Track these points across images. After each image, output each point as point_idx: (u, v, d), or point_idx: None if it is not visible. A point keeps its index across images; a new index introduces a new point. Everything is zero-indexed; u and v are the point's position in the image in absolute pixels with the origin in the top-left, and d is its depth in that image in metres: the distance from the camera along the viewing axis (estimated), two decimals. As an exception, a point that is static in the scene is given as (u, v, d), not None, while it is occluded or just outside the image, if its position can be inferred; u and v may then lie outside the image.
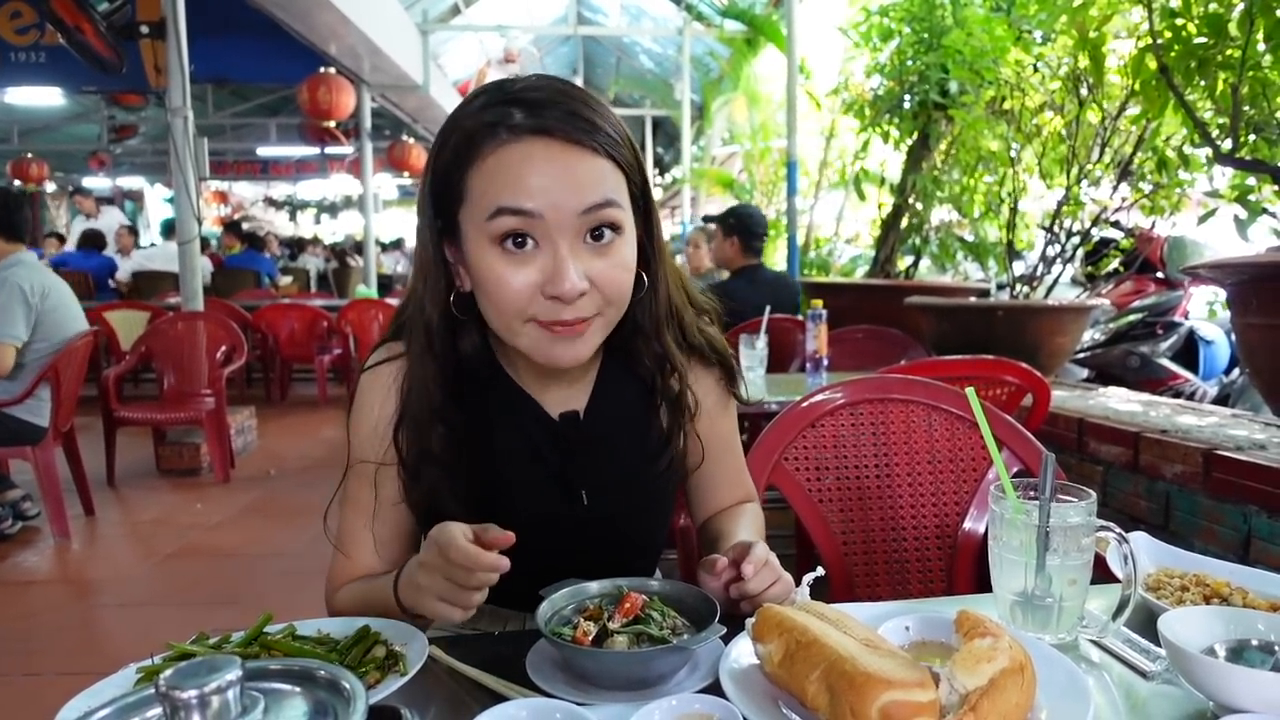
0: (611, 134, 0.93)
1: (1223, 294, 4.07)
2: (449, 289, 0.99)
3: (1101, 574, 0.98)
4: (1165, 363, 3.91)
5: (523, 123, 0.89)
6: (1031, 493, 0.95)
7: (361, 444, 1.07)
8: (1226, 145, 2.47)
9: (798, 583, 0.95)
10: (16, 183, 13.59)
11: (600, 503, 1.09)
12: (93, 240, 9.09)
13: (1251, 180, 2.50)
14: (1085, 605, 0.93)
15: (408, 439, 1.02)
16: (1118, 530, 0.91)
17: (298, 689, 0.64)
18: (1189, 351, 4.02)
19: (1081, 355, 4.07)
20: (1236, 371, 3.80)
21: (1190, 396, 3.66)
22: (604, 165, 0.92)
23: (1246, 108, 2.43)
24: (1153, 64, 2.61)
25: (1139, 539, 1.10)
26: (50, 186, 15.90)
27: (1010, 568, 0.93)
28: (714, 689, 0.81)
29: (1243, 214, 2.51)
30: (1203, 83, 2.56)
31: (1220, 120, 2.58)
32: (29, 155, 13.57)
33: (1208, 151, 2.71)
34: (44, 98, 11.81)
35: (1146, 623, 0.95)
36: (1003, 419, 1.54)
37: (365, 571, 1.09)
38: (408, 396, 1.03)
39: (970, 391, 1.04)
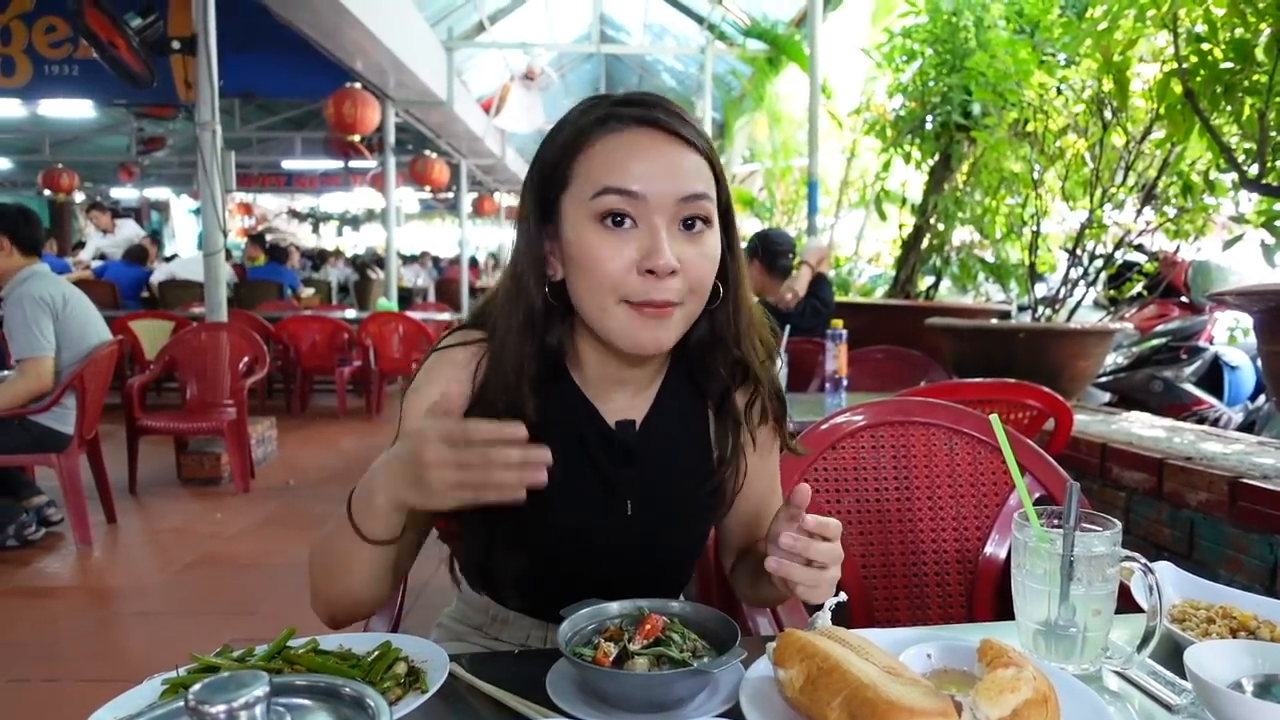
0: (708, 140, 1.01)
1: (1245, 320, 4.04)
2: (545, 276, 1.03)
3: (1126, 604, 0.97)
4: (1189, 388, 3.87)
5: (630, 114, 0.97)
6: (1056, 521, 0.94)
7: (417, 419, 1.07)
8: (1253, 171, 2.45)
9: (819, 607, 0.95)
10: (47, 192, 13.84)
11: (644, 515, 1.10)
12: (136, 254, 9.26)
13: (1278, 206, 2.49)
14: (1109, 635, 0.92)
15: (484, 414, 1.02)
16: (1143, 560, 0.90)
17: (323, 705, 0.65)
18: (1213, 377, 3.98)
19: (1104, 379, 4.04)
20: (1262, 398, 3.76)
21: (1215, 422, 3.61)
22: (701, 162, 0.99)
23: (1273, 133, 2.42)
24: (1178, 88, 2.60)
25: (1164, 569, 1.09)
26: (79, 197, 16.14)
27: (1034, 596, 0.93)
28: (734, 713, 0.81)
29: (1269, 239, 2.50)
30: (1229, 108, 2.55)
31: (1247, 145, 2.56)
32: (60, 166, 13.81)
33: (1233, 176, 2.70)
34: (75, 110, 12.01)
35: (1171, 654, 0.94)
36: (1025, 444, 1.54)
37: None
38: (488, 379, 1.05)
39: (994, 418, 1.04)
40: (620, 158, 0.96)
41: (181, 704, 0.59)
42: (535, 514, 1.01)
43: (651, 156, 0.96)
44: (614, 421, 1.10)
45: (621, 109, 0.98)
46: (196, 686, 0.57)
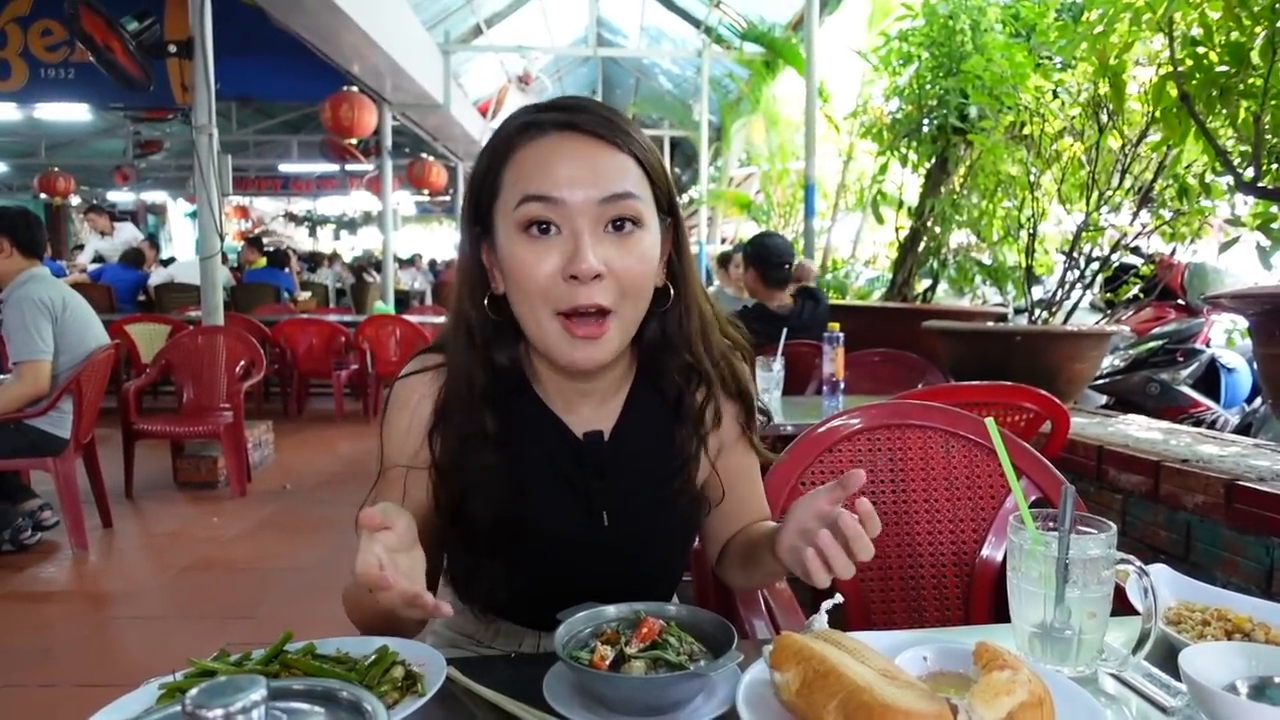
0: (637, 139, 0.98)
1: (1242, 322, 4.05)
2: (485, 290, 1.04)
3: (1121, 606, 0.97)
4: (1186, 390, 3.87)
5: (552, 119, 0.97)
6: (1051, 524, 0.95)
7: (393, 449, 1.08)
8: (1249, 173, 2.46)
9: (815, 610, 0.95)
10: (43, 195, 13.82)
11: (621, 525, 1.10)
12: (133, 258, 9.26)
13: (1274, 208, 2.49)
14: (1105, 638, 0.93)
15: (443, 439, 1.05)
16: (1138, 563, 0.90)
17: (320, 709, 0.65)
18: (1210, 379, 3.98)
19: (1100, 382, 4.04)
20: (1259, 400, 3.76)
21: (1211, 425, 3.62)
22: (627, 161, 0.97)
23: (1269, 136, 2.43)
24: (1174, 91, 2.61)
25: (1160, 571, 1.09)
26: (75, 200, 16.14)
27: (1029, 599, 0.93)
28: (730, 715, 0.81)
29: (1265, 242, 2.50)
30: (1224, 111, 2.55)
31: (1242, 148, 2.57)
32: (56, 169, 13.80)
33: (1230, 179, 2.71)
34: (71, 113, 12.01)
35: (1167, 657, 0.94)
36: (1021, 447, 1.54)
37: None
38: (447, 398, 1.05)
39: (990, 422, 1.04)
40: (540, 164, 0.95)
41: (179, 709, 0.58)
42: (513, 530, 1.03)
43: (571, 160, 0.95)
44: (582, 433, 1.09)
45: (543, 115, 0.98)
46: (193, 691, 0.57)
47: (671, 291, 1.06)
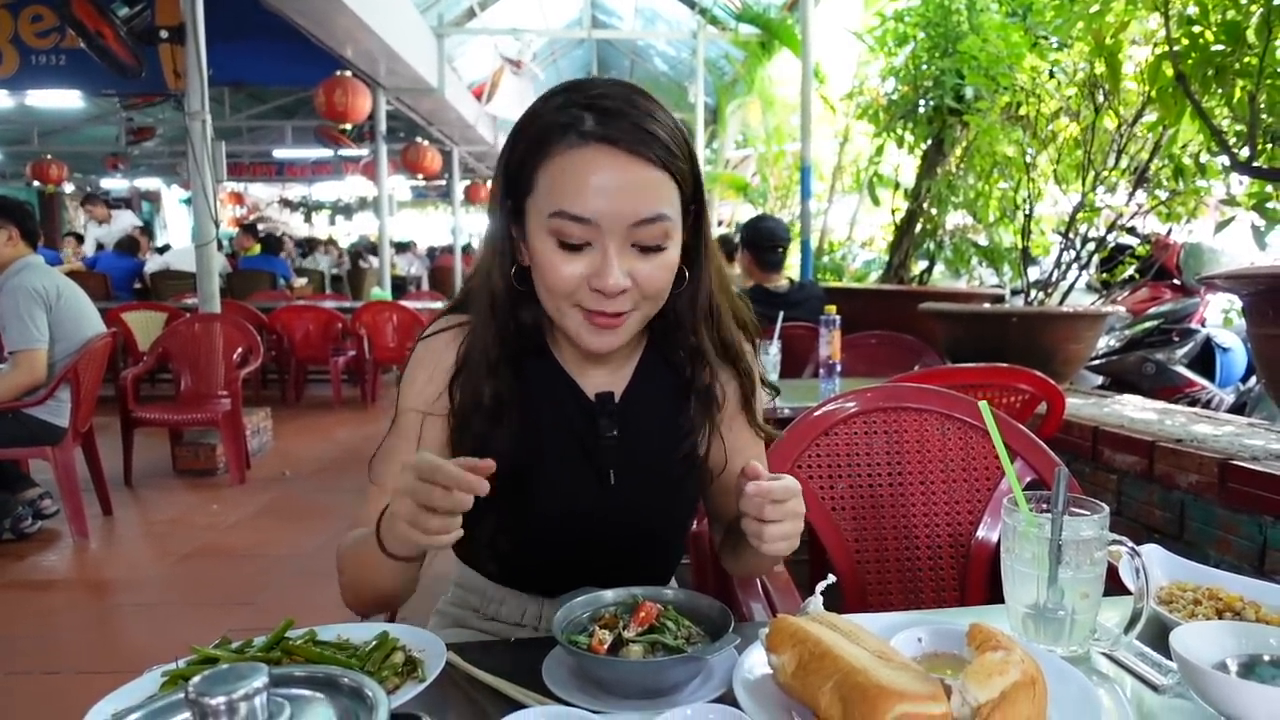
0: (672, 147, 0.99)
1: (1238, 301, 4.06)
2: (513, 261, 1.07)
3: (1114, 585, 0.98)
4: (1181, 370, 3.88)
5: (592, 130, 0.96)
6: (1044, 506, 0.96)
7: (412, 396, 1.11)
8: (1244, 153, 2.46)
9: (811, 591, 0.96)
10: (36, 183, 13.75)
11: (626, 485, 1.13)
12: (128, 245, 9.22)
13: (1269, 188, 2.49)
14: (1097, 618, 0.94)
15: (463, 390, 1.08)
16: (1130, 544, 0.91)
17: (322, 695, 0.65)
18: (1205, 359, 3.99)
19: (1096, 362, 4.05)
20: (1253, 380, 3.78)
21: (1206, 404, 3.63)
22: (660, 178, 0.98)
23: (1264, 115, 2.42)
24: (1170, 71, 2.60)
25: (1152, 551, 1.10)
26: (69, 188, 16.05)
27: (1022, 580, 0.94)
28: (727, 698, 0.82)
29: (1260, 222, 2.50)
30: (1220, 90, 2.55)
31: (1238, 128, 2.57)
32: (48, 156, 13.72)
33: (1225, 159, 2.70)
34: (63, 100, 11.91)
35: (1159, 636, 0.95)
36: (1016, 429, 1.55)
37: None
38: (468, 352, 1.09)
39: (984, 405, 1.05)
40: (578, 180, 0.96)
41: (181, 696, 0.59)
42: (521, 487, 1.07)
43: (607, 180, 0.96)
44: (594, 395, 1.13)
45: (587, 117, 0.96)
46: (196, 679, 0.58)
47: (686, 275, 1.09)
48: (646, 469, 1.14)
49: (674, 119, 1.02)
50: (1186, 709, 0.82)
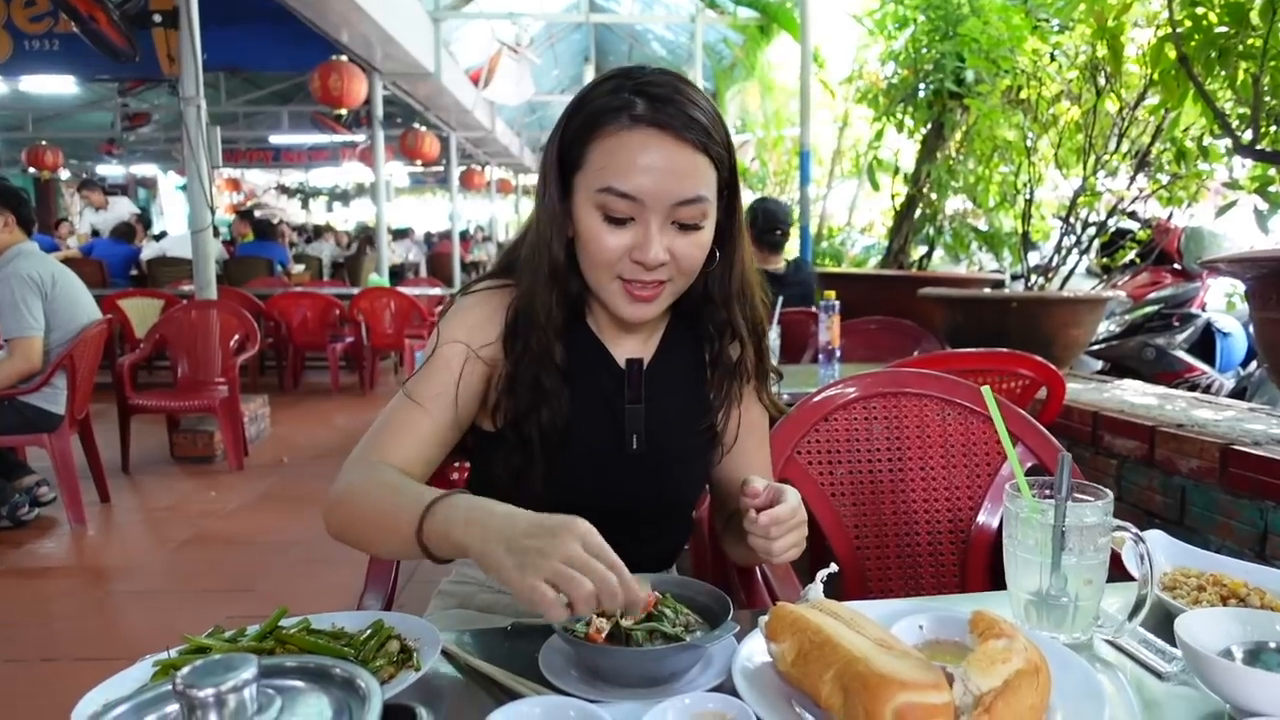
0: (713, 133, 1.05)
1: (1241, 286, 4.04)
2: (566, 233, 1.11)
3: (1117, 571, 0.97)
4: (1181, 355, 3.87)
5: (644, 114, 1.02)
6: (1047, 491, 0.94)
7: (463, 333, 1.14)
8: (1247, 136, 2.44)
9: (811, 579, 0.95)
10: (31, 170, 13.67)
11: (648, 449, 1.18)
12: (124, 232, 9.18)
13: (1272, 171, 2.47)
14: (1100, 604, 0.93)
15: (518, 349, 1.12)
16: (1134, 530, 0.90)
17: (314, 687, 0.64)
18: (1205, 344, 3.98)
19: (1096, 347, 4.04)
20: (1254, 364, 3.77)
21: (1206, 389, 3.62)
22: (701, 161, 1.04)
23: (1268, 98, 2.40)
24: (1172, 53, 2.58)
25: (1155, 537, 1.09)
26: (65, 174, 15.96)
27: (1025, 567, 0.93)
28: (726, 686, 0.81)
29: (1263, 206, 2.48)
30: (1223, 73, 2.53)
31: (1241, 111, 2.55)
32: (43, 143, 13.63)
33: (1227, 142, 2.68)
34: (57, 85, 11.83)
35: (1162, 622, 0.94)
36: (1018, 414, 1.54)
37: (401, 461, 1.09)
38: (521, 315, 1.13)
39: (986, 390, 1.04)
40: (626, 161, 1.02)
41: (169, 688, 0.58)
42: (548, 449, 1.11)
43: (655, 161, 1.02)
44: (624, 360, 1.19)
45: (638, 101, 1.02)
46: (184, 670, 0.57)
47: (717, 254, 1.14)
48: (668, 436, 1.19)
49: (714, 106, 1.08)
50: (1191, 697, 0.81)
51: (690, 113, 1.03)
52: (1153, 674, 0.85)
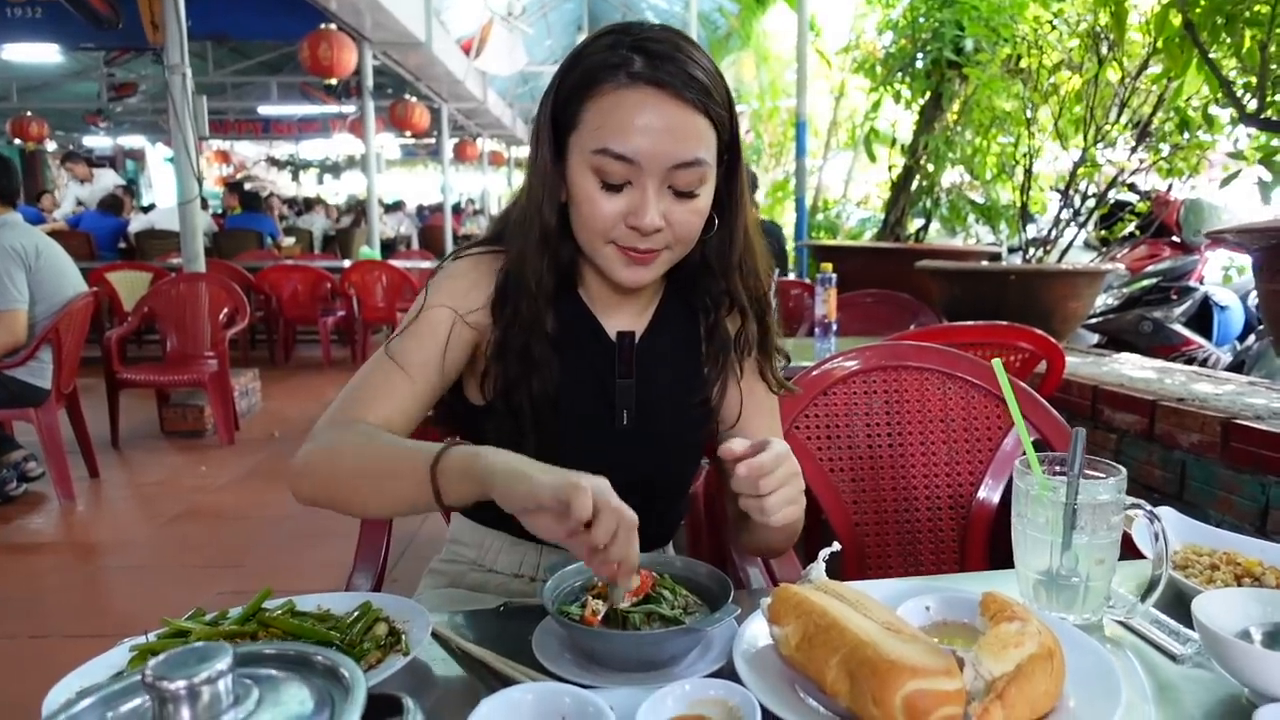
0: (714, 93, 1.00)
1: (1239, 259, 4.02)
2: (559, 198, 1.07)
3: (1124, 549, 0.94)
4: (1178, 328, 3.85)
5: (641, 71, 0.97)
6: (1058, 468, 0.91)
7: (450, 297, 1.10)
8: (1252, 105, 2.39)
9: (813, 559, 0.91)
10: (16, 141, 13.48)
11: (639, 425, 1.14)
12: (111, 204, 9.06)
13: (1276, 142, 2.43)
14: (1111, 584, 0.90)
15: (506, 316, 1.08)
16: (1148, 507, 0.87)
17: (294, 676, 0.61)
18: (1203, 317, 3.96)
19: (1093, 320, 4.02)
20: (1252, 338, 3.74)
21: (1203, 363, 3.61)
22: (701, 122, 1.00)
23: (1274, 66, 2.36)
24: (1177, 20, 2.53)
25: (1164, 515, 1.07)
26: (51, 145, 15.74)
27: (1035, 545, 0.90)
28: (726, 670, 0.78)
29: (1267, 176, 2.44)
30: (1229, 40, 2.48)
31: (1246, 79, 2.50)
32: (29, 113, 13.42)
33: (1231, 112, 2.64)
34: (42, 55, 11.62)
35: (1173, 602, 0.92)
36: (1021, 389, 1.50)
37: (379, 423, 1.05)
38: (510, 281, 1.09)
39: (997, 363, 1.00)
40: (622, 120, 0.97)
41: (139, 679, 0.55)
42: (540, 420, 1.07)
43: (652, 122, 0.97)
44: (615, 333, 1.14)
45: (636, 58, 0.98)
46: (154, 661, 0.53)
47: (716, 221, 1.09)
48: (660, 412, 1.15)
49: (715, 65, 1.03)
50: (1206, 680, 0.79)
51: (691, 71, 0.98)
52: (1166, 656, 0.83)
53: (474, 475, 0.86)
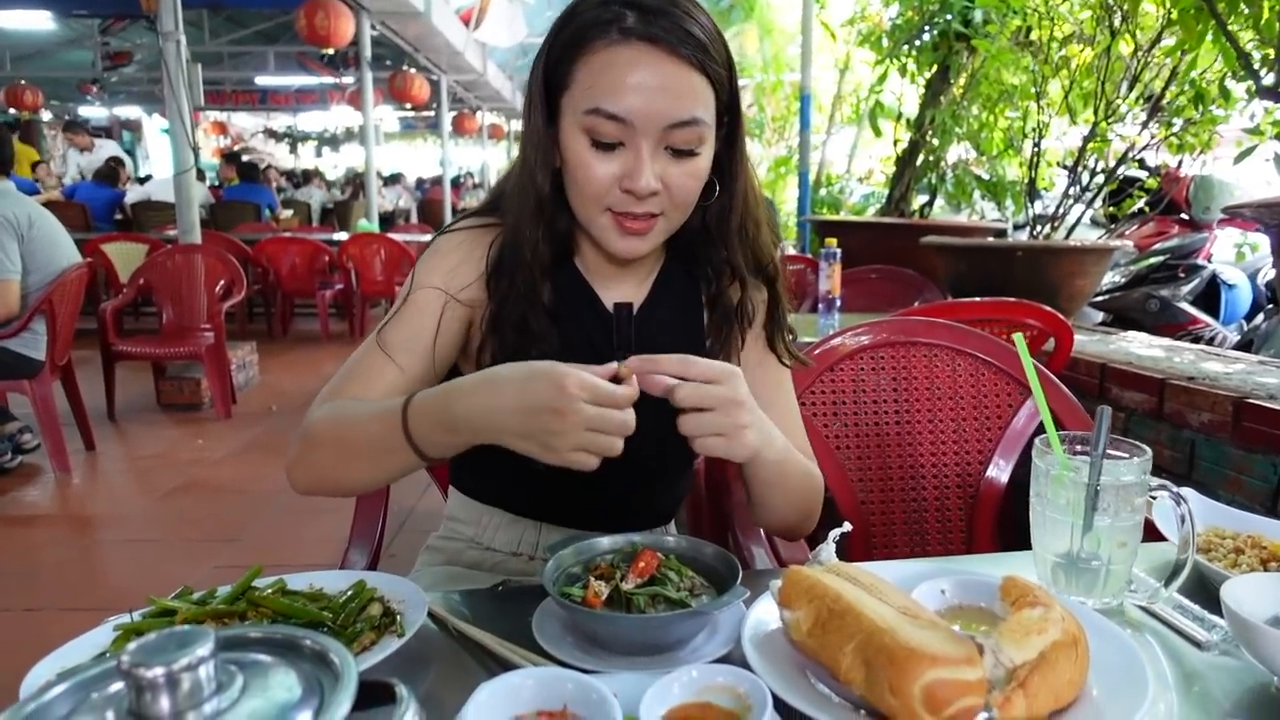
0: (711, 50, 0.96)
1: (1253, 237, 3.97)
2: (552, 164, 1.04)
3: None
4: (1185, 307, 3.81)
5: (634, 27, 0.93)
6: (1079, 448, 0.88)
7: (438, 276, 1.07)
8: (1269, 79, 2.34)
9: (823, 539, 0.88)
10: (11, 110, 13.33)
11: (638, 402, 1.06)
12: (107, 175, 8.97)
13: (1293, 116, 2.38)
14: (1131, 568, 0.87)
15: (500, 289, 1.05)
16: (1174, 489, 0.84)
17: (281, 661, 0.57)
18: (1210, 295, 3.92)
19: (1099, 298, 3.97)
20: (1260, 317, 3.71)
21: (1210, 341, 3.57)
22: (698, 80, 0.96)
23: (1293, 38, 2.30)
24: (1194, -10, 2.46)
25: (1188, 497, 1.03)
26: (46, 115, 15.59)
27: (1054, 528, 0.86)
28: (734, 655, 0.75)
29: (1282, 151, 2.39)
30: (1247, 11, 2.42)
31: (1264, 52, 2.44)
32: (23, 82, 13.27)
33: (1246, 86, 2.58)
34: (35, 22, 11.48)
35: (1196, 587, 0.89)
36: (1035, 368, 1.47)
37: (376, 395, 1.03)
38: (505, 253, 1.06)
39: (1019, 338, 0.97)
40: (615, 78, 0.94)
41: (115, 665, 0.51)
42: None
43: (646, 79, 0.93)
44: (612, 305, 1.10)
45: (629, 14, 0.94)
46: (131, 646, 0.50)
47: (717, 187, 1.05)
48: None
49: (714, 22, 0.99)
50: (1232, 667, 0.76)
51: (686, 26, 0.94)
52: (1191, 643, 0.80)
53: (445, 424, 0.86)
